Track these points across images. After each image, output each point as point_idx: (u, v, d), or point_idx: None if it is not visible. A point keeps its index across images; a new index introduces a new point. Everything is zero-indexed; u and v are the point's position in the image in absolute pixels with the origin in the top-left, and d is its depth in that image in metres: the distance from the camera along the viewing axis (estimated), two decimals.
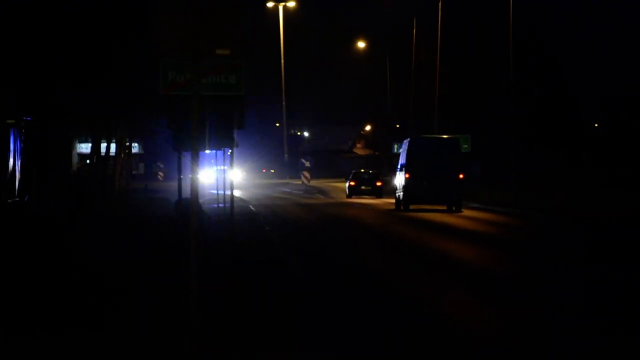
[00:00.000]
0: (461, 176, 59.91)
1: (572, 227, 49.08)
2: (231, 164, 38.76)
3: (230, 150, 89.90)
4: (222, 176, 62.98)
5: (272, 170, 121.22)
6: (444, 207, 59.54)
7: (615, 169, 78.16)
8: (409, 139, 64.38)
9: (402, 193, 60.19)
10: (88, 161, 59.29)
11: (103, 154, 59.50)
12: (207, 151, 60.88)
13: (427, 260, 36.33)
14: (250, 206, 56.78)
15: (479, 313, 23.69)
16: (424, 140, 65.41)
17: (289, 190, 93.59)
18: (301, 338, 18.09)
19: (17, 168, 45.37)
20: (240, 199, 62.15)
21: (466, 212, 58.97)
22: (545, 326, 21.09)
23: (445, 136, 69.82)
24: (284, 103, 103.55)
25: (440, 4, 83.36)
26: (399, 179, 61.48)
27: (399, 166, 62.94)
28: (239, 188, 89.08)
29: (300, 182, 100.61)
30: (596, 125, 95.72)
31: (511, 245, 40.88)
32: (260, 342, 17.70)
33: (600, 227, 47.91)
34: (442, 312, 23.53)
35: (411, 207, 60.03)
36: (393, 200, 64.55)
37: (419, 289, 29.44)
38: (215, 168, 66.29)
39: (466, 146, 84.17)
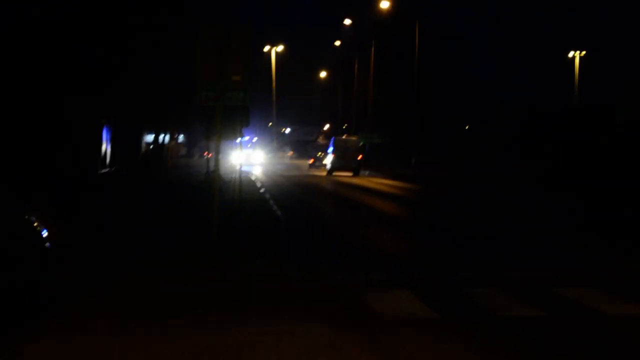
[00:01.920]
0: (360, 157, 69.88)
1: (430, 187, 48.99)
2: (237, 148, 40.30)
3: (255, 138, 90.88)
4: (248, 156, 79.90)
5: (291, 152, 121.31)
6: (351, 173, 67.67)
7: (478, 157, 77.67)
8: (333, 138, 74.11)
9: (330, 165, 69.60)
10: (151, 146, 59.60)
11: (160, 142, 60.11)
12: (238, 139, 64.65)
13: (335, 195, 41.94)
14: (252, 177, 57.23)
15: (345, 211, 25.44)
16: (341, 139, 73.00)
17: (281, 166, 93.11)
18: (280, 252, 18.82)
19: (108, 150, 46.08)
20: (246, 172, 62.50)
21: (362, 176, 66.64)
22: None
23: (352, 137, 76.83)
24: (274, 110, 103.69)
25: (372, 50, 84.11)
26: (328, 158, 70.85)
27: (328, 151, 72.31)
28: (260, 164, 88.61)
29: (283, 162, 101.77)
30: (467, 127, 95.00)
31: (377, 191, 43.21)
32: (257, 257, 18.41)
33: (471, 186, 48.33)
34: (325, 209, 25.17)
35: (333, 173, 68.21)
36: (333, 172, 69.70)
37: (335, 209, 32.48)
38: (243, 151, 70.95)
39: (380, 141, 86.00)
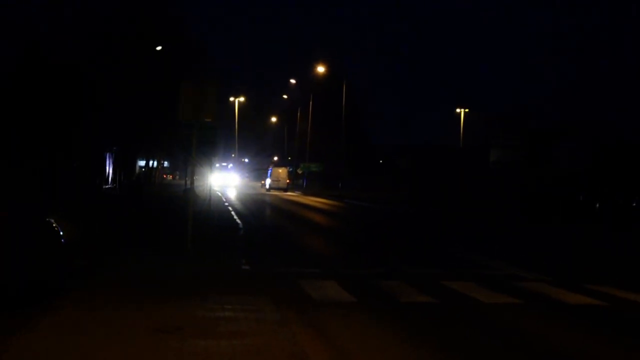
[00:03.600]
0: (288, 181, 76.28)
1: (350, 203, 49.24)
2: (205, 174, 39.86)
3: (230, 165, 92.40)
4: (224, 178, 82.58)
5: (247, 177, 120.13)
6: (282, 191, 71.71)
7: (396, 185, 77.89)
8: (270, 168, 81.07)
9: (268, 185, 75.79)
10: (143, 169, 59.33)
11: (150, 166, 59.76)
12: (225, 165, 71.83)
13: (279, 209, 39.94)
14: (222, 196, 56.86)
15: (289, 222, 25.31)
16: (276, 169, 79.20)
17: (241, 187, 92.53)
18: (239, 251, 19.27)
19: (110, 172, 45.86)
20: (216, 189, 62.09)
21: (290, 193, 69.27)
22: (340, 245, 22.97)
23: (284, 167, 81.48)
24: (236, 145, 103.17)
25: (311, 103, 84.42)
26: (267, 181, 77.46)
27: (268, 175, 78.61)
28: (231, 185, 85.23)
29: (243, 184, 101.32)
30: (381, 161, 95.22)
31: (312, 206, 41.03)
32: (221, 254, 18.66)
33: (382, 207, 48.35)
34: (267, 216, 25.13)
35: (271, 191, 71.95)
36: (271, 190, 73.97)
37: (279, 219, 31.34)
38: (220, 174, 78.27)
39: (316, 169, 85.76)
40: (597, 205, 33.58)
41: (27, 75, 36.64)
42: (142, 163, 61.74)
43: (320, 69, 76.87)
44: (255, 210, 38.99)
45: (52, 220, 11.26)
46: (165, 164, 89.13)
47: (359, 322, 10.04)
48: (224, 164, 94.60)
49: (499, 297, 12.34)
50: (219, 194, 56.15)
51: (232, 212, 33.14)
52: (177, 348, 7.74)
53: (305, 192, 72.55)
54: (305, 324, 9.49)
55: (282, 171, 77.83)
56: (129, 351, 7.57)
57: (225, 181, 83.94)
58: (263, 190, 77.03)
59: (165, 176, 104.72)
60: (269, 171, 79.92)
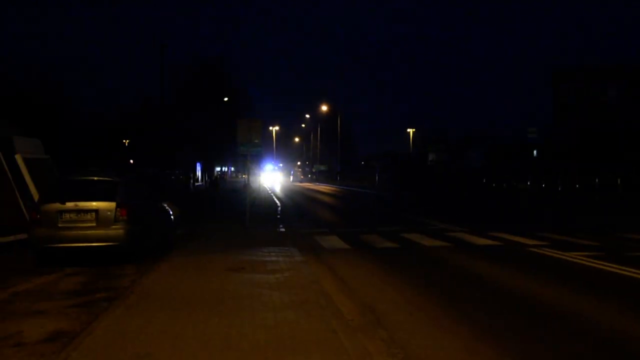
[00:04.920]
0: (302, 177, 76.06)
1: (355, 189, 49.01)
2: (250, 175, 39.60)
3: (276, 168, 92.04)
4: (274, 178, 79.23)
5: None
6: (299, 183, 70.93)
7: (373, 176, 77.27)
8: (292, 170, 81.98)
9: (291, 180, 75.24)
10: (219, 172, 59.21)
11: (223, 170, 59.56)
12: (271, 168, 70.29)
13: (301, 193, 38.09)
14: (267, 188, 56.49)
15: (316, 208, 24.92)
16: (296, 170, 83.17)
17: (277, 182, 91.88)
18: (278, 221, 19.12)
19: (199, 175, 45.78)
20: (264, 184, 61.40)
21: (306, 184, 67.09)
22: (346, 216, 22.69)
23: (299, 168, 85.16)
24: (274, 155, 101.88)
25: (319, 129, 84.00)
26: (291, 177, 79.09)
27: (291, 174, 79.77)
28: (277, 182, 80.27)
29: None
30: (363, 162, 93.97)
31: (321, 191, 40.48)
32: (267, 223, 18.51)
33: (364, 191, 48.06)
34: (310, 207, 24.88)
35: (294, 183, 70.24)
36: (293, 182, 73.15)
37: (301, 199, 30.74)
38: (269, 175, 78.10)
39: (324, 169, 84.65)
40: (493, 184, 33.40)
41: (146, 118, 36.70)
42: (218, 169, 61.50)
43: (324, 107, 76.79)
44: (287, 195, 38.86)
45: (165, 205, 11.36)
46: (232, 168, 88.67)
47: (352, 260, 9.99)
48: (273, 168, 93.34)
49: (436, 241, 12.29)
50: (265, 186, 56.07)
51: (273, 197, 33.04)
52: (241, 279, 7.77)
53: (316, 183, 72.32)
54: (319, 263, 9.48)
55: (299, 171, 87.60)
56: (211, 281, 7.59)
57: (273, 179, 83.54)
58: (289, 183, 76.94)
59: (232, 176, 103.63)
60: (292, 172, 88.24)
